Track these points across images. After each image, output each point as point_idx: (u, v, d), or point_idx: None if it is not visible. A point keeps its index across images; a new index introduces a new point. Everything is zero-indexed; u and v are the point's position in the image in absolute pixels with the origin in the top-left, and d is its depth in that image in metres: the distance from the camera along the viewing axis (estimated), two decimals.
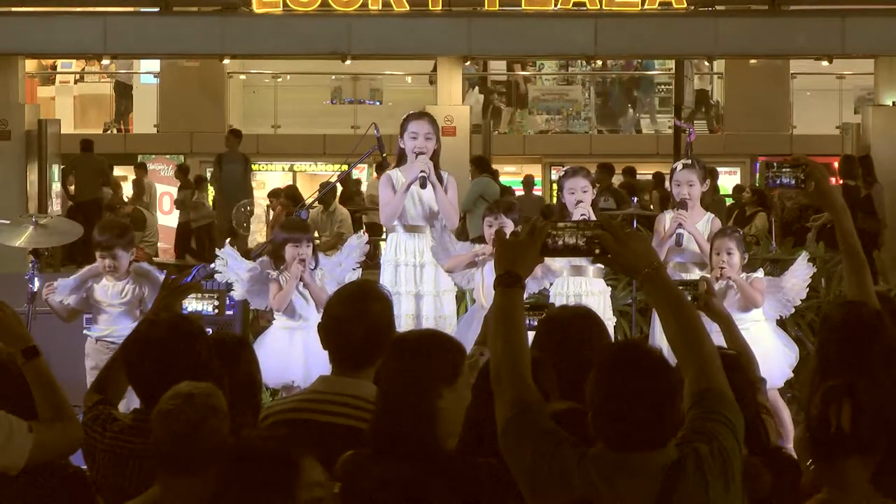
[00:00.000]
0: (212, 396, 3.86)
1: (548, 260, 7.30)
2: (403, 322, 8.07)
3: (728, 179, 22.68)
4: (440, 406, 3.77)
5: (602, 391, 3.43)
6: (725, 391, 3.53)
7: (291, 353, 8.02)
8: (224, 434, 3.84)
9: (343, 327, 4.41)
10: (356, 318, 4.40)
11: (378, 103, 24.53)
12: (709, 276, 7.86)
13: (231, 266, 8.13)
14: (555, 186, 20.81)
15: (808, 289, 8.33)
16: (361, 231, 9.04)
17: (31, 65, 22.21)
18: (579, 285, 8.32)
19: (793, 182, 5.05)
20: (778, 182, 5.08)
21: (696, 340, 3.58)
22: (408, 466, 3.74)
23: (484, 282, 8.05)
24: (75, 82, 26.33)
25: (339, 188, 19.01)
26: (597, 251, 3.64)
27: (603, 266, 8.41)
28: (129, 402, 4.73)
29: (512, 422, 3.53)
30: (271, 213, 19.83)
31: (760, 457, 4.17)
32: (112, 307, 8.08)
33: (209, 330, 4.78)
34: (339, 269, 8.25)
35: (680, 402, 3.47)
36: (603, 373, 3.46)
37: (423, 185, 8.14)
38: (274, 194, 19.45)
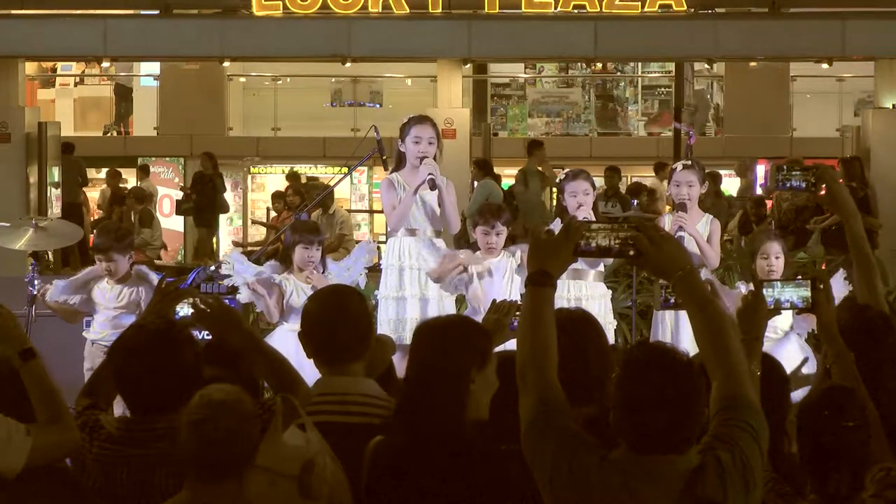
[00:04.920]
0: (242, 402, 3.85)
1: None
2: (409, 326, 8.07)
3: (728, 182, 22.67)
4: (471, 390, 3.88)
5: (626, 392, 3.42)
6: (752, 398, 3.51)
7: (297, 357, 7.99)
8: (254, 437, 3.83)
9: (325, 325, 4.43)
10: (337, 313, 4.43)
11: (378, 106, 24.53)
12: (712, 277, 7.84)
13: (237, 270, 8.10)
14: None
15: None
16: (371, 238, 9.03)
17: (30, 67, 22.21)
18: (580, 289, 8.29)
19: (803, 185, 4.99)
20: (788, 185, 5.01)
21: (725, 345, 3.55)
22: (438, 452, 3.81)
23: (482, 288, 8.07)
24: (75, 85, 26.33)
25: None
26: (630, 252, 3.61)
27: (603, 269, 8.41)
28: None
29: (535, 421, 3.52)
30: (272, 215, 19.85)
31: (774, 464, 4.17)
32: (108, 310, 8.08)
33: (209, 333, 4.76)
34: (348, 273, 8.23)
35: (704, 406, 3.45)
36: (627, 374, 3.44)
37: (432, 188, 8.15)
38: (276, 196, 19.45)
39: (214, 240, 20.76)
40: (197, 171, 20.51)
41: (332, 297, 4.56)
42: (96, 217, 21.62)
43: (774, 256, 7.93)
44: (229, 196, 21.92)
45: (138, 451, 4.19)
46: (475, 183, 17.91)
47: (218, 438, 3.77)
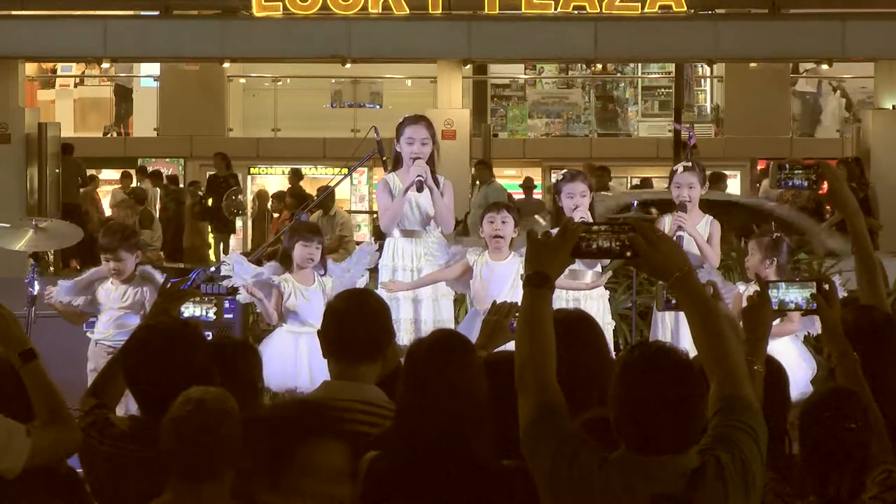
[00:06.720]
0: (224, 401, 3.85)
1: None
2: (403, 326, 8.07)
3: (728, 183, 22.66)
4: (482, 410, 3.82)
5: (626, 393, 3.41)
6: (750, 398, 3.50)
7: (297, 359, 8.01)
8: (238, 438, 3.83)
9: (344, 321, 4.44)
10: (357, 310, 4.45)
11: (378, 107, 24.53)
12: (715, 279, 7.84)
13: (237, 271, 8.11)
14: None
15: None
16: (371, 239, 9.04)
17: (31, 68, 22.23)
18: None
19: (805, 184, 4.97)
20: (790, 183, 4.99)
21: (723, 346, 3.54)
22: (444, 473, 3.76)
23: (480, 280, 8.08)
24: (75, 86, 26.33)
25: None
26: (628, 254, 3.60)
27: (600, 270, 8.41)
28: (128, 406, 4.72)
29: (534, 424, 3.50)
30: (273, 215, 19.84)
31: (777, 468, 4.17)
32: (112, 310, 8.08)
33: (209, 334, 4.76)
34: (348, 275, 8.24)
35: (704, 407, 3.44)
36: (627, 374, 3.43)
37: (419, 190, 8.14)
38: (277, 197, 19.46)
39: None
40: (210, 173, 20.44)
41: (356, 296, 4.63)
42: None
43: (751, 252, 8.06)
44: None
45: (148, 451, 4.18)
46: (478, 184, 17.87)
47: (197, 436, 3.75)
